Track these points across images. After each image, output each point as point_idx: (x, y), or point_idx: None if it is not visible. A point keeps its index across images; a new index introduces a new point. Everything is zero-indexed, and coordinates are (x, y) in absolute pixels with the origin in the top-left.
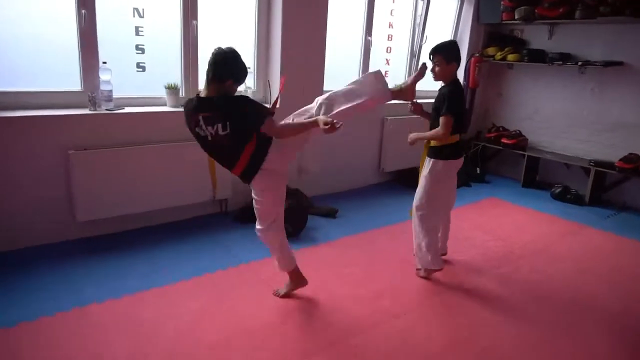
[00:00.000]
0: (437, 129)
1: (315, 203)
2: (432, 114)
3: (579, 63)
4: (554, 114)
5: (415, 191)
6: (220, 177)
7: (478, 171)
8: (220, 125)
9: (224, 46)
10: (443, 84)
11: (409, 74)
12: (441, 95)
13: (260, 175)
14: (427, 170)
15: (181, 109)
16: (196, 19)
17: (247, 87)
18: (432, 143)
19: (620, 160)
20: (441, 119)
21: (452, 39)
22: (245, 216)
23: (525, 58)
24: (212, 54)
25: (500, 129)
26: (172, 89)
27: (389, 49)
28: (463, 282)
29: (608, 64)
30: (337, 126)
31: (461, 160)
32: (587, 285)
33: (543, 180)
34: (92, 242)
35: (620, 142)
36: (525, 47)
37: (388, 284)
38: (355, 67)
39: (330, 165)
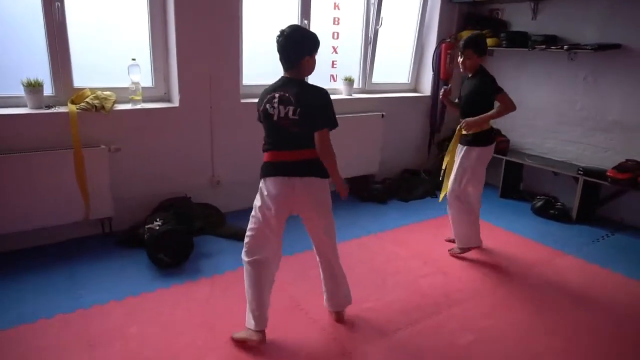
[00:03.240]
0: (500, 106)
1: (231, 221)
2: (463, 104)
3: (565, 47)
4: (540, 110)
5: (367, 203)
6: (97, 190)
7: None
8: (291, 109)
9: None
10: (469, 75)
11: (363, 63)
12: (475, 84)
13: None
14: (468, 157)
15: (46, 110)
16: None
17: (134, 82)
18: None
19: (614, 168)
20: (500, 98)
21: (420, 20)
22: (130, 239)
23: (504, 43)
24: (276, 39)
25: None
26: (33, 87)
27: (335, 34)
28: (355, 348)
29: (602, 47)
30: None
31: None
32: (530, 353)
33: (528, 189)
34: None
35: (617, 145)
36: (505, 29)
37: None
38: None
39: (254, 173)
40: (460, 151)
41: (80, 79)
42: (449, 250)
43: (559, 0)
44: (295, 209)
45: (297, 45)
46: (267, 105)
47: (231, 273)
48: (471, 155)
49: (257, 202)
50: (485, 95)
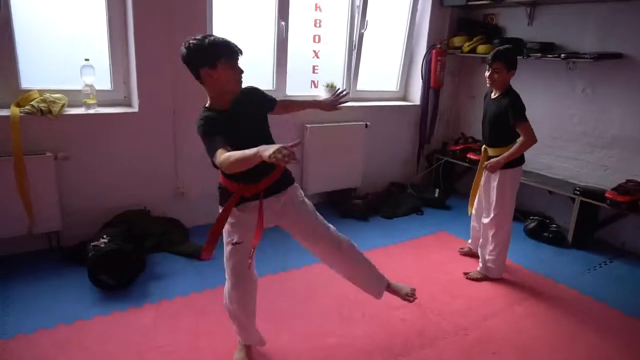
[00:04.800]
0: (519, 141)
1: (195, 237)
2: (488, 125)
3: (562, 55)
4: (535, 123)
5: (347, 220)
6: (43, 202)
7: (437, 194)
8: None
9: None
10: (497, 94)
11: (347, 69)
12: (502, 105)
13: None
14: (500, 180)
15: None
16: None
17: (87, 84)
18: (496, 153)
19: (613, 189)
20: (521, 127)
21: (409, 25)
22: (78, 255)
23: None
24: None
25: (470, 140)
26: None
27: (317, 37)
28: None
29: (602, 56)
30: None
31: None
32: None
33: (521, 208)
34: None
35: (618, 163)
36: (500, 36)
37: None
38: (270, 61)
39: None
40: (492, 175)
41: (29, 79)
42: (465, 274)
43: (556, 6)
44: None
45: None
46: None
47: (181, 299)
48: (509, 176)
49: None
50: (504, 119)
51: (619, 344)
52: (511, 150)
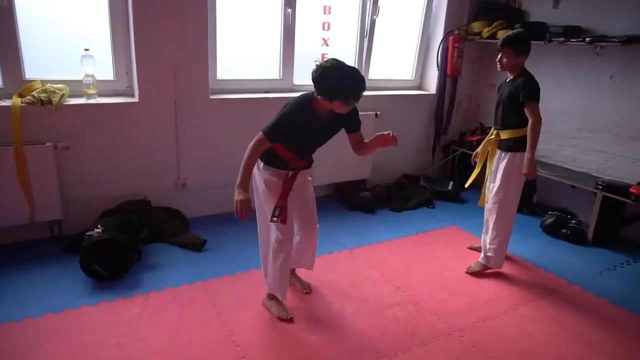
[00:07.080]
0: (530, 127)
1: (196, 228)
2: (501, 107)
3: (587, 39)
4: (558, 113)
5: (354, 212)
6: (43, 191)
7: (450, 187)
8: None
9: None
10: (511, 76)
11: (359, 57)
12: (516, 85)
13: None
14: (509, 164)
15: None
16: None
17: (87, 74)
18: (507, 135)
19: (639, 184)
20: (529, 107)
21: (426, 9)
22: (77, 245)
23: None
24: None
25: (488, 130)
26: None
27: (326, 25)
28: None
29: (631, 39)
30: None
31: None
32: None
33: (541, 202)
34: None
35: None
36: (522, 19)
37: None
38: (276, 49)
39: (224, 177)
40: (501, 158)
41: (33, 70)
42: (467, 270)
43: None
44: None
45: None
46: None
47: (171, 290)
48: (515, 160)
49: None
50: (517, 99)
51: (634, 352)
52: (529, 140)
